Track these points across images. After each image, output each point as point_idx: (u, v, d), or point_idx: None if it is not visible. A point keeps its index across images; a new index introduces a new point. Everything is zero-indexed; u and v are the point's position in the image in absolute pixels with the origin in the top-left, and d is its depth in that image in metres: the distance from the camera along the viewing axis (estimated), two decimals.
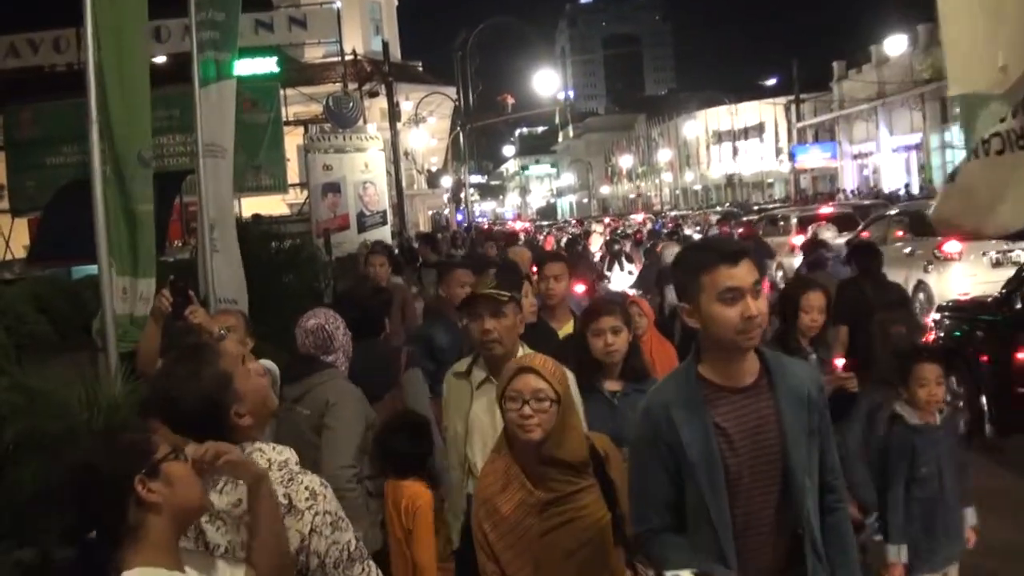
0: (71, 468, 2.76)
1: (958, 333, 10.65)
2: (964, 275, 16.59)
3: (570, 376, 4.26)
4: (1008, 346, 9.56)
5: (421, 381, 6.22)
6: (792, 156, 65.46)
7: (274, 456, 3.25)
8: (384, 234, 24.53)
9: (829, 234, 17.45)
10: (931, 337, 10.71)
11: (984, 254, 16.66)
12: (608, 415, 4.87)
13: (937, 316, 11.47)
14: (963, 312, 11.07)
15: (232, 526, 3.11)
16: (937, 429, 5.62)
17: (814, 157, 65.47)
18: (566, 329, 6.50)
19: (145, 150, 7.47)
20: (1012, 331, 9.71)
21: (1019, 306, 9.85)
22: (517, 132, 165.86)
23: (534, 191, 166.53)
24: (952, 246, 15.15)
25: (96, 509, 2.67)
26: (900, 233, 19.13)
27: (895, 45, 50.51)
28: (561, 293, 6.92)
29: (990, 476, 8.41)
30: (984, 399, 9.82)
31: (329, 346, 5.44)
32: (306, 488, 3.19)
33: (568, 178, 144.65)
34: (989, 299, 10.72)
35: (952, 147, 49.28)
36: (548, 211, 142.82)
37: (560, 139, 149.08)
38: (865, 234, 19.55)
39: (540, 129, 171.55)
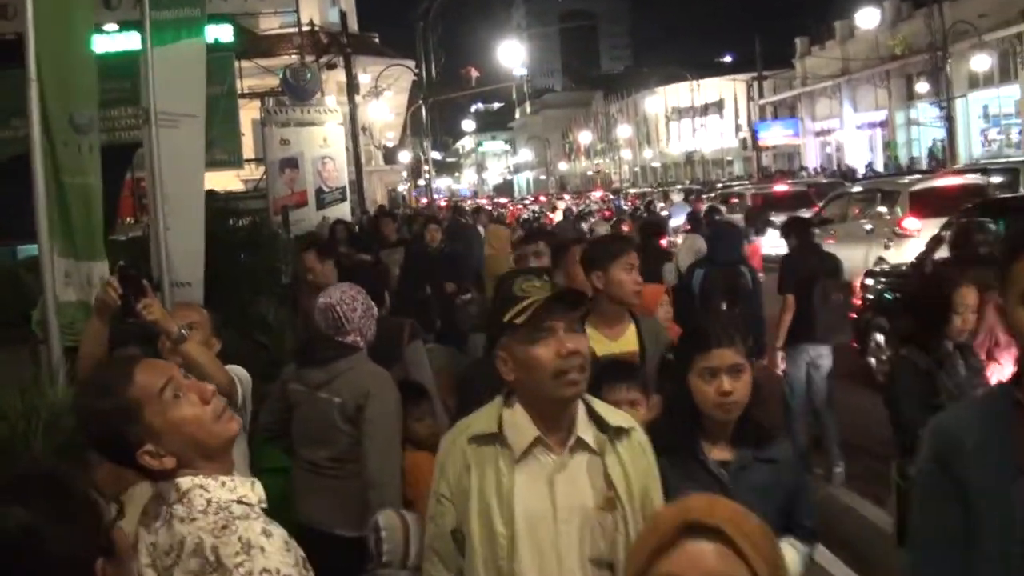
0: (7, 531, 1.96)
1: (887, 296, 12.26)
2: None
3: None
4: None
5: (423, 354, 6.21)
6: (755, 133, 65.00)
7: (220, 495, 2.61)
8: (344, 211, 23.97)
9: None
10: (859, 300, 12.13)
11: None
12: None
13: (869, 281, 13.03)
14: (886, 277, 12.87)
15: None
16: None
17: (776, 134, 65.06)
18: (624, 344, 4.98)
19: (79, 114, 6.59)
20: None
21: (928, 269, 11.20)
22: (473, 108, 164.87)
23: (491, 168, 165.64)
24: (911, 223, 15.09)
25: None
26: (857, 211, 19.68)
27: (867, 18, 49.88)
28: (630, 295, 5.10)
29: None
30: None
31: (342, 326, 5.13)
32: (239, 540, 2.48)
33: (526, 155, 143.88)
34: (904, 267, 12.64)
35: (918, 124, 49.03)
36: (505, 188, 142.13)
37: (517, 115, 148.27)
38: (823, 211, 20.68)
39: (496, 105, 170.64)
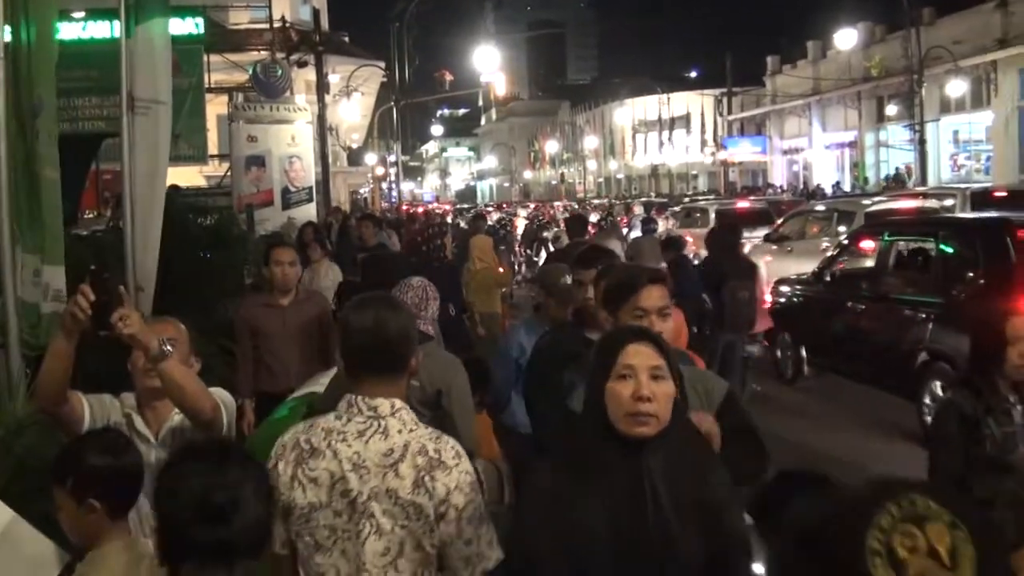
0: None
1: (795, 300, 14.20)
2: None
3: None
4: (817, 308, 13.36)
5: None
6: (724, 148, 64.87)
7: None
8: (310, 212, 23.59)
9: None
10: (768, 305, 13.60)
11: None
12: None
13: (784, 288, 14.66)
14: (793, 285, 14.50)
15: None
16: None
17: (743, 151, 64.92)
18: None
19: (37, 98, 6.06)
20: (821, 298, 13.38)
21: (827, 279, 13.37)
22: (438, 113, 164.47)
23: (454, 173, 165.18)
24: (868, 243, 15.03)
25: None
26: (816, 229, 20.61)
27: (845, 39, 49.73)
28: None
29: (820, 400, 13.02)
30: (803, 348, 13.65)
31: (423, 311, 5.49)
32: (452, 448, 3.32)
33: (490, 161, 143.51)
34: (806, 276, 14.23)
35: (887, 146, 48.99)
36: (468, 194, 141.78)
37: (483, 122, 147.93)
38: (785, 228, 21.64)
39: (462, 111, 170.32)
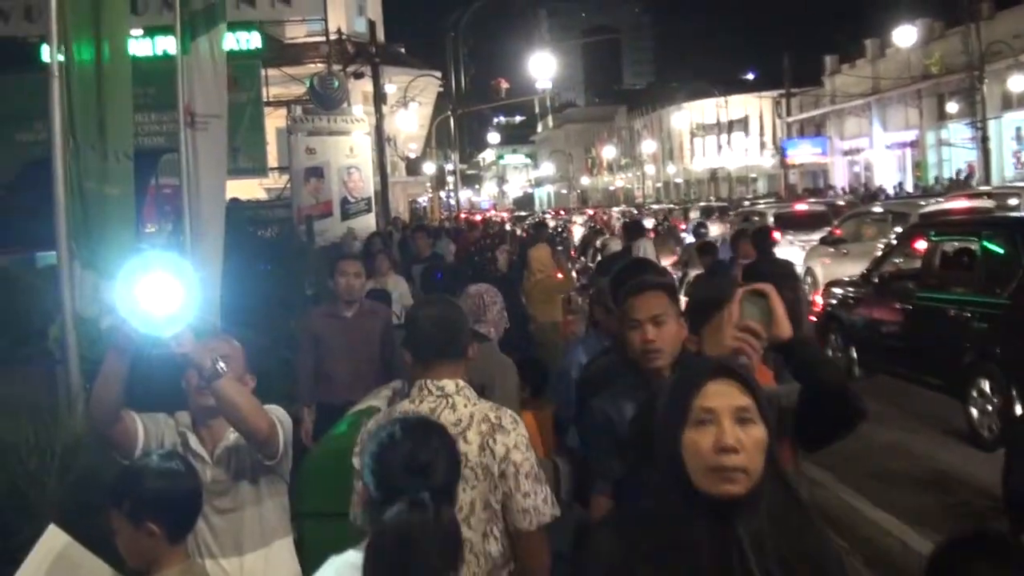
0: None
1: (845, 301, 14.33)
2: None
3: None
4: (866, 309, 13.54)
5: None
6: (783, 151, 64.32)
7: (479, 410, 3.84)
8: (369, 222, 23.75)
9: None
10: (819, 307, 14.63)
11: None
12: None
13: (835, 289, 14.93)
14: (843, 286, 14.71)
15: None
16: None
17: (804, 152, 64.36)
18: None
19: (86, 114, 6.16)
20: (870, 299, 13.48)
21: (875, 281, 13.42)
22: (495, 120, 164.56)
23: (511, 181, 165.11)
24: (916, 244, 14.99)
25: None
26: (871, 231, 20.51)
27: (904, 36, 49.07)
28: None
29: (870, 399, 11.38)
30: (853, 349, 13.72)
31: (482, 316, 5.94)
32: (510, 415, 3.84)
33: (547, 168, 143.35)
34: (856, 277, 14.45)
35: (949, 145, 48.29)
36: (525, 201, 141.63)
37: (539, 129, 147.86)
38: (841, 231, 21.70)
39: (518, 119, 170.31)
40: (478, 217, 52.28)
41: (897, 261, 13.81)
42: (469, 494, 3.66)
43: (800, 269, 21.18)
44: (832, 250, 21.13)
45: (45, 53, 5.88)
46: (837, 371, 3.31)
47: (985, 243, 11.08)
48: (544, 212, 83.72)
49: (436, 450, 3.08)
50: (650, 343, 3.99)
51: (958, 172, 45.04)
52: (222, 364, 3.67)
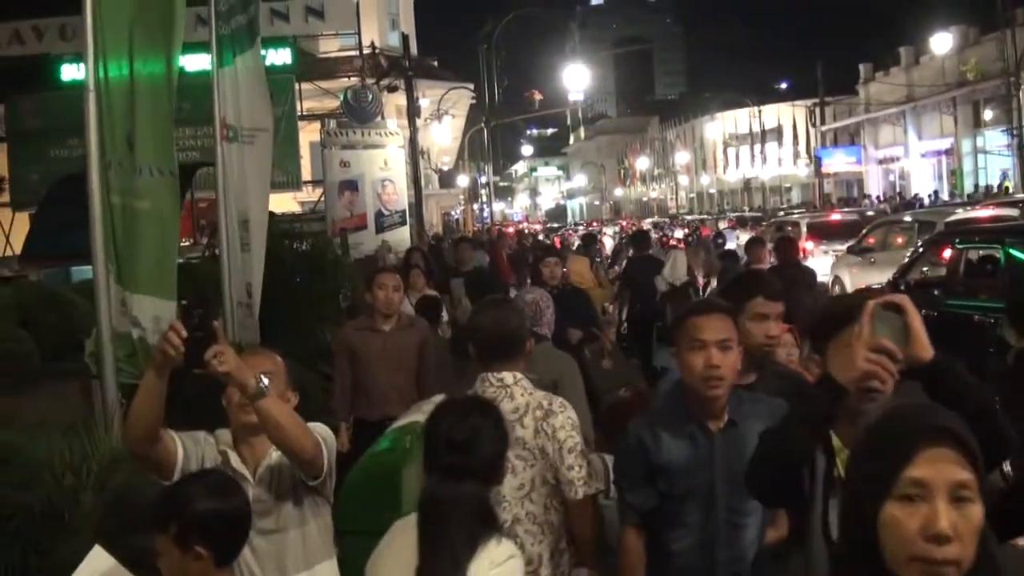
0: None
1: None
2: None
3: None
4: None
5: None
6: (818, 160, 63.96)
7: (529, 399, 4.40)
8: (403, 235, 23.80)
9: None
10: None
11: None
12: None
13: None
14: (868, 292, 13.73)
15: None
16: None
17: (838, 161, 63.96)
18: None
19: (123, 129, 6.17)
20: None
21: (901, 289, 12.61)
22: (527, 132, 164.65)
23: (544, 192, 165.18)
24: (941, 252, 14.98)
25: None
26: (899, 240, 20.70)
27: (940, 43, 48.69)
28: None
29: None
30: None
31: (539, 319, 6.37)
32: (559, 401, 4.41)
33: (579, 180, 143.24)
34: (884, 285, 13.97)
35: (985, 152, 47.84)
36: (558, 213, 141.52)
37: (571, 141, 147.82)
38: (870, 240, 21.82)
39: (550, 131, 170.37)
40: (510, 229, 52.12)
41: (923, 269, 13.95)
42: (529, 472, 4.24)
43: (828, 277, 21.71)
44: (859, 259, 21.37)
45: (65, 71, 5.91)
46: (989, 398, 2.97)
47: (1009, 250, 11.18)
48: (577, 224, 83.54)
49: (474, 428, 3.39)
50: (715, 368, 3.71)
51: (1002, 179, 44.56)
52: (266, 381, 3.58)
